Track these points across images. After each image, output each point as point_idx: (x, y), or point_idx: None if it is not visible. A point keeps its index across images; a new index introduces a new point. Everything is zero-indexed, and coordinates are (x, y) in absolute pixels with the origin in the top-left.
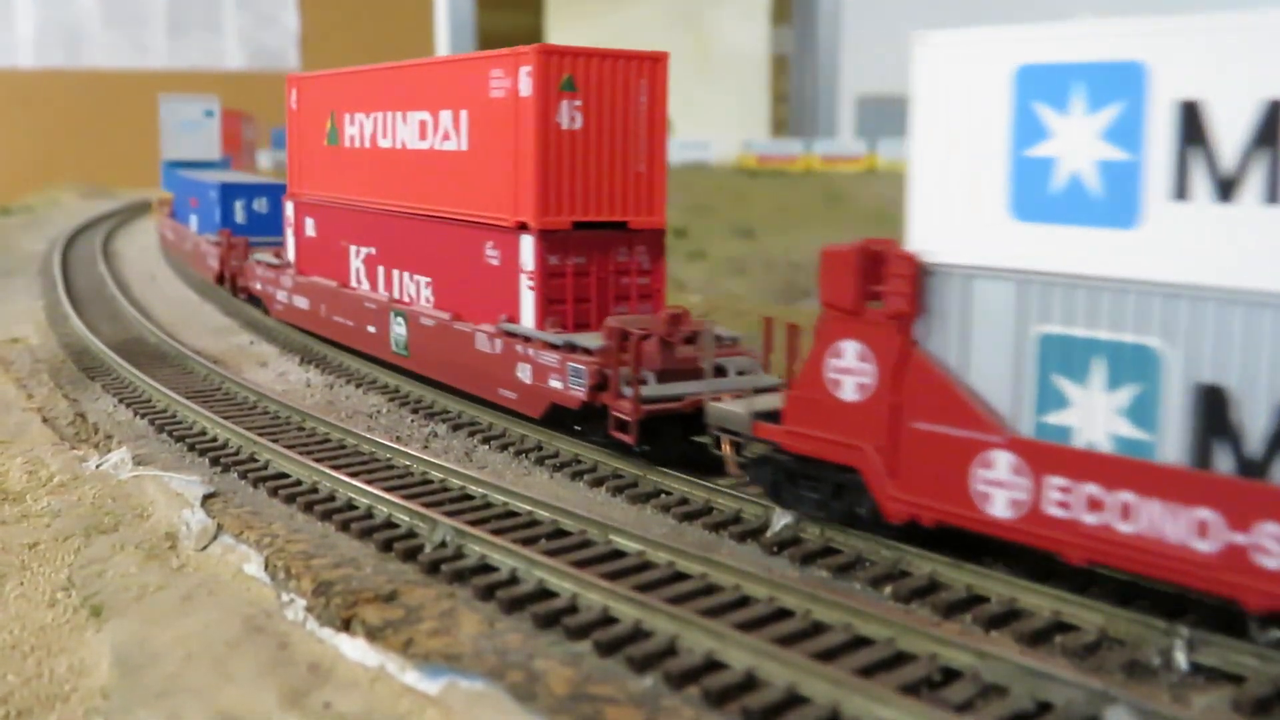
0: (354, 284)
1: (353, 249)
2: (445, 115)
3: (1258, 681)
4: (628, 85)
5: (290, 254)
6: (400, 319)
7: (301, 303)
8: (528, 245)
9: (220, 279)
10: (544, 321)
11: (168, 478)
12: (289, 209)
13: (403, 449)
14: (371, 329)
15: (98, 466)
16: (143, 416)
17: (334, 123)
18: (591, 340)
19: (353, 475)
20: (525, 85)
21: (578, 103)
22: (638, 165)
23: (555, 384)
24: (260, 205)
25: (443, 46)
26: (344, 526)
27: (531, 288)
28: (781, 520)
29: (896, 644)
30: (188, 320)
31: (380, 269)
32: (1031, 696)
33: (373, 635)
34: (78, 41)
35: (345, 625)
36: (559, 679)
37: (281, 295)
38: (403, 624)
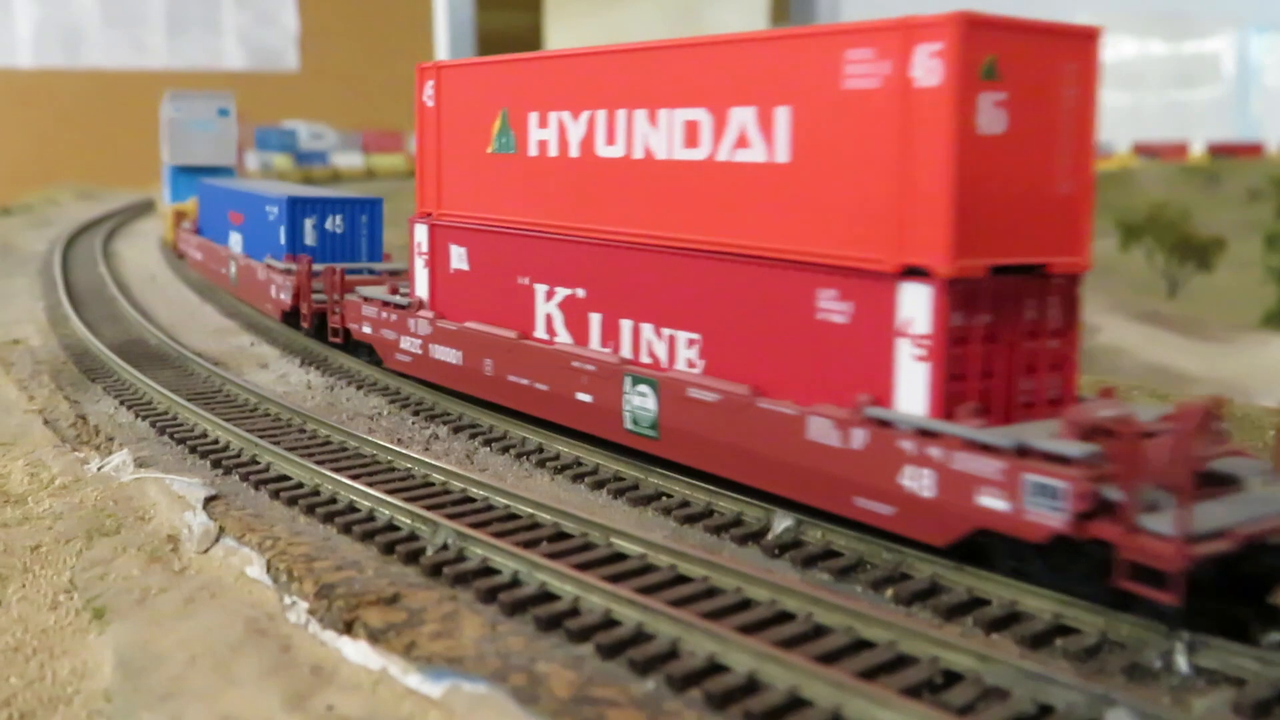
0: (543, 335)
1: (540, 289)
2: (742, 114)
3: (1258, 684)
4: (1054, 72)
5: (421, 291)
6: (645, 389)
7: (448, 355)
8: (920, 298)
9: (292, 315)
10: (948, 407)
11: (169, 480)
12: (421, 234)
13: (404, 451)
14: (585, 397)
15: (99, 469)
16: (144, 419)
17: (507, 124)
18: (1056, 441)
19: (354, 478)
20: (928, 71)
21: (1001, 96)
22: (1062, 184)
23: (993, 503)
24: (335, 224)
25: (442, 47)
26: (346, 529)
27: (922, 358)
28: (783, 523)
29: (898, 647)
30: (188, 321)
31: (595, 318)
32: (1032, 699)
33: (375, 638)
34: (77, 41)
35: (347, 628)
36: (561, 682)
37: (409, 344)
38: (405, 627)
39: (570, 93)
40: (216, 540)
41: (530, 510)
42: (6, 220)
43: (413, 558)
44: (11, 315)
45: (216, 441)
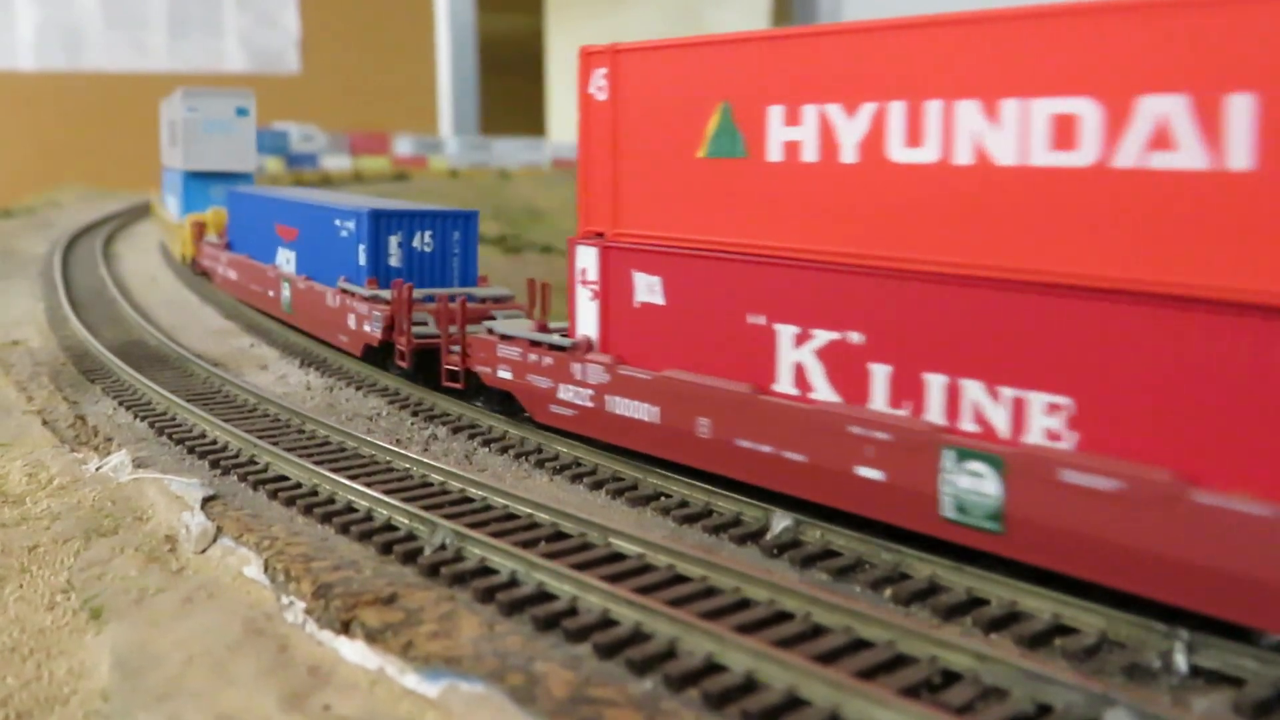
0: (789, 389)
1: (785, 331)
2: (1157, 105)
3: (1258, 684)
4: None
5: (587, 328)
6: (981, 467)
7: (635, 410)
8: None
9: (379, 351)
10: None
11: (168, 480)
12: (587, 258)
13: (403, 451)
14: (871, 474)
15: (98, 469)
16: (143, 419)
17: (730, 121)
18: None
19: (353, 478)
20: None
21: None
22: None
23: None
24: (424, 242)
25: (443, 49)
26: (344, 529)
27: None
28: (781, 523)
29: (896, 646)
30: (188, 323)
31: (880, 370)
32: (1031, 699)
33: (372, 638)
34: (78, 44)
35: (345, 628)
36: (559, 681)
37: (573, 394)
38: (402, 627)
39: (843, 80)
40: (214, 540)
41: (529, 510)
42: (7, 222)
43: (410, 557)
44: (11, 316)
45: (215, 442)
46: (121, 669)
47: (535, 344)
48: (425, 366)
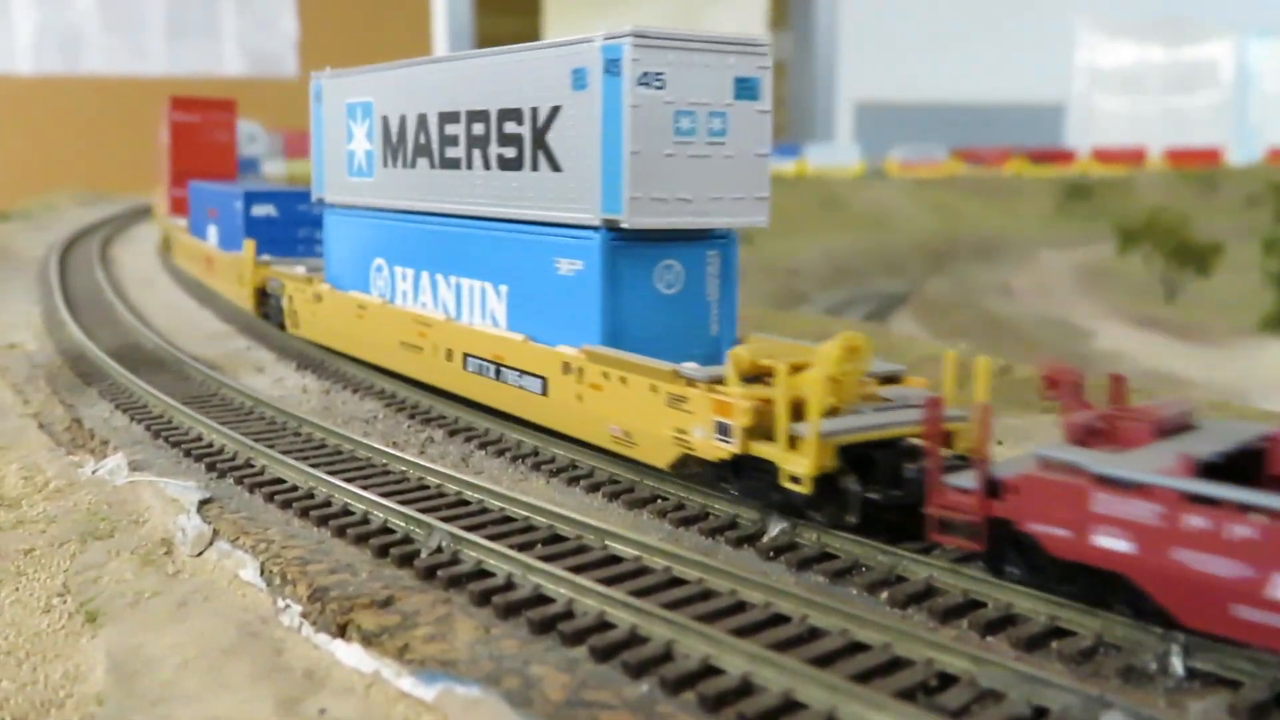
0: None
1: None
2: None
3: (1253, 687)
4: None
5: None
6: None
7: None
8: None
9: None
10: None
11: (164, 483)
12: None
13: (399, 454)
14: None
15: (94, 472)
16: (139, 422)
17: None
18: None
19: (349, 481)
20: None
21: None
22: None
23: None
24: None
25: (441, 51)
26: (340, 532)
27: None
28: (777, 526)
29: (893, 649)
30: (185, 326)
31: None
32: (1028, 702)
33: (368, 641)
34: (76, 47)
35: (341, 631)
36: (555, 684)
37: None
38: (398, 630)
39: None
40: (210, 543)
41: (525, 513)
42: (5, 225)
43: (407, 561)
44: (8, 320)
45: (211, 445)
46: (117, 672)
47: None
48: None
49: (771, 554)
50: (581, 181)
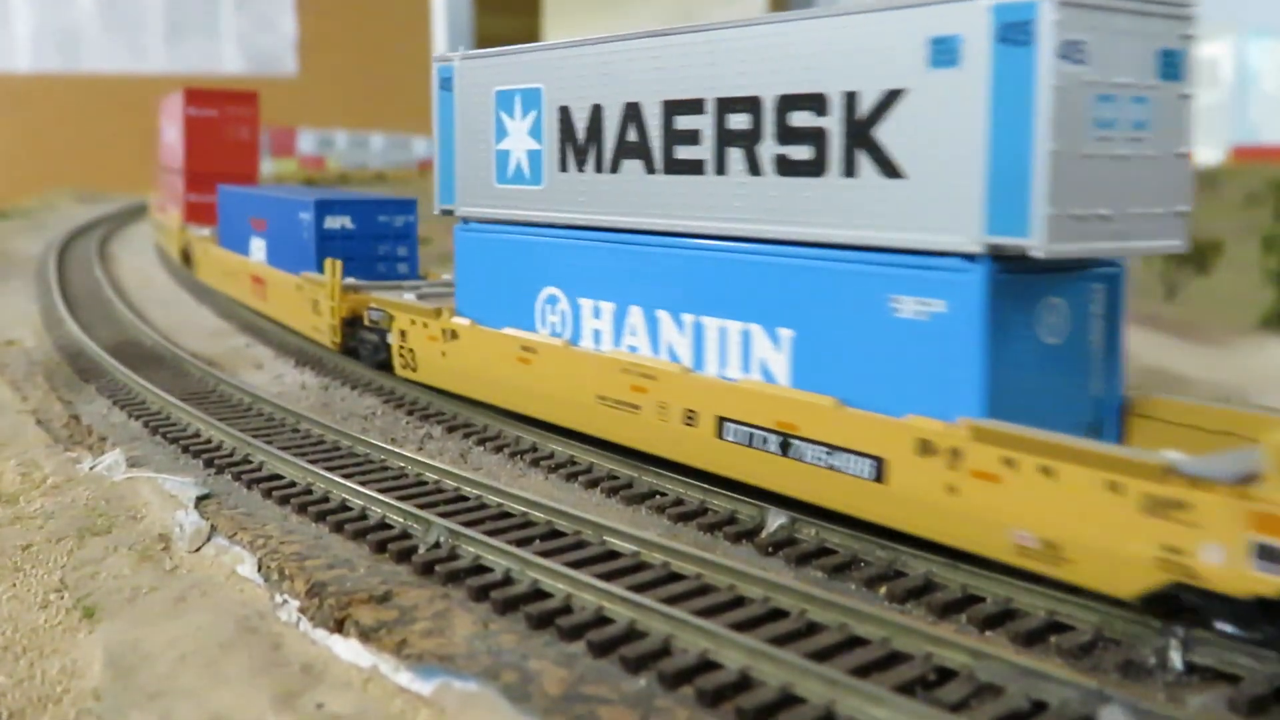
0: None
1: None
2: None
3: (1253, 681)
4: None
5: None
6: None
7: None
8: None
9: None
10: None
11: (161, 479)
12: None
13: (398, 450)
14: None
15: (92, 468)
16: (137, 418)
17: None
18: None
19: (347, 477)
20: None
21: None
22: None
23: None
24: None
25: (441, 50)
26: (338, 528)
27: None
28: (776, 521)
29: (891, 644)
30: (183, 323)
31: None
32: (1026, 696)
33: (366, 636)
34: (75, 45)
35: (338, 626)
36: (553, 679)
37: None
38: (396, 625)
39: None
40: (208, 539)
41: (523, 509)
42: (3, 224)
43: (405, 556)
44: (7, 317)
45: (209, 441)
46: (114, 667)
47: None
48: None
49: (770, 549)
50: (943, 193)
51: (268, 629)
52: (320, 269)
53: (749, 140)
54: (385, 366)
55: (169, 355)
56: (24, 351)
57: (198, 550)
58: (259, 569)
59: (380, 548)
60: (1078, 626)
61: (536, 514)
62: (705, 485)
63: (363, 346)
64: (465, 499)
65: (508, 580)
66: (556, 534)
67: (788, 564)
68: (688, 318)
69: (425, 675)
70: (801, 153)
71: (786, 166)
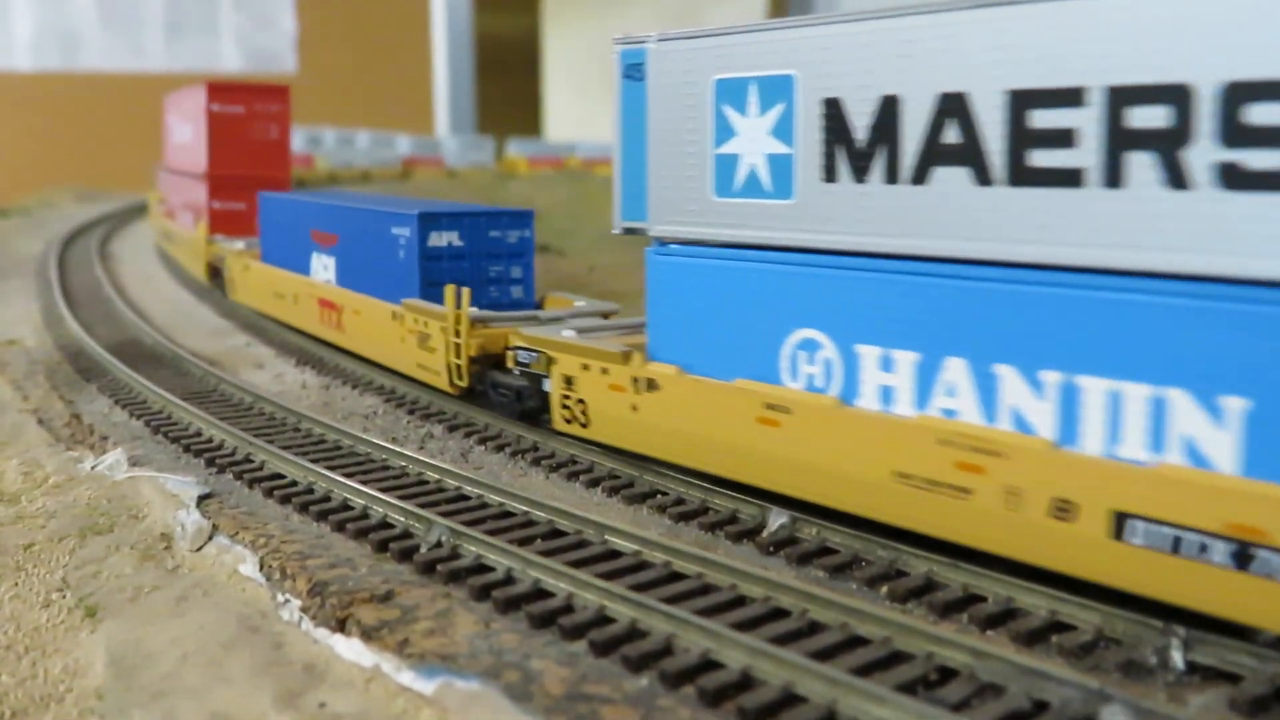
0: None
1: None
2: None
3: (1254, 681)
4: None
5: None
6: None
7: None
8: None
9: None
10: None
11: (163, 479)
12: None
13: (399, 450)
14: None
15: (93, 468)
16: (138, 418)
17: None
18: None
19: (348, 476)
20: None
21: None
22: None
23: None
24: None
25: (440, 49)
26: (339, 527)
27: None
28: (778, 520)
29: (893, 643)
30: (184, 322)
31: None
32: (1028, 695)
33: (368, 635)
34: (74, 44)
35: (340, 625)
36: (555, 679)
37: None
38: (398, 624)
39: None
40: (210, 538)
41: (525, 507)
42: (3, 222)
43: (406, 555)
44: (7, 316)
45: (211, 440)
46: (116, 667)
47: None
48: None
49: (771, 549)
50: None
51: (270, 628)
52: (423, 294)
53: (1171, 142)
54: (528, 417)
55: (170, 354)
56: (25, 351)
57: (199, 549)
58: (261, 568)
59: (382, 547)
60: (1079, 626)
61: (538, 513)
62: (706, 485)
63: (497, 392)
64: (466, 498)
65: (509, 579)
66: (558, 533)
67: (789, 563)
68: (1050, 376)
69: (427, 674)
70: (1267, 159)
71: (1244, 179)
